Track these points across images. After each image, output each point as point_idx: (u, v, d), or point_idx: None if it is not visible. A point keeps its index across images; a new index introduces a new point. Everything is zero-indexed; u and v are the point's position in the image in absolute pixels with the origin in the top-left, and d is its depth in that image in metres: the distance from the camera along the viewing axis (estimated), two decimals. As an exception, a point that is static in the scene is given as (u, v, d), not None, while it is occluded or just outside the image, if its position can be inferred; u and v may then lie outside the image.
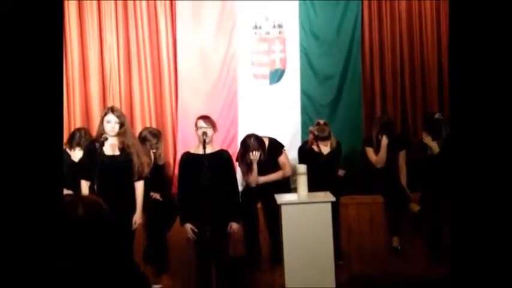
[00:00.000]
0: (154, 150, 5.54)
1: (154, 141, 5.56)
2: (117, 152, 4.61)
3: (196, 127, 4.83)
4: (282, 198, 5.01)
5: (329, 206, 4.83)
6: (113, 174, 4.54)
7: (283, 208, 4.85)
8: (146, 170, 4.75)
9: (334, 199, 4.90)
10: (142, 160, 4.70)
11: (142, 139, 5.47)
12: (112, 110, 4.65)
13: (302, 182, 4.96)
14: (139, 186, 4.71)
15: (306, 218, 4.81)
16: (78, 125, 6.27)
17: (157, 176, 5.41)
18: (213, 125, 4.84)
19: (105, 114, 4.62)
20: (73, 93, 6.49)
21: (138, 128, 6.12)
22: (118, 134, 4.60)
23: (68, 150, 5.62)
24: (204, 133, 4.70)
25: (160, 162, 5.70)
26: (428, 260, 5.44)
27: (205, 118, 4.86)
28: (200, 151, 4.71)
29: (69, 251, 1.84)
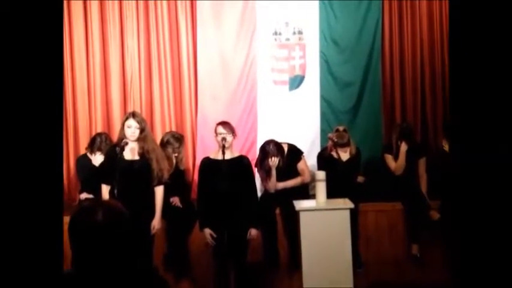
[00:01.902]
0: (176, 154, 5.56)
1: (176, 145, 5.58)
2: (137, 157, 4.63)
3: (216, 133, 4.83)
4: (301, 204, 5.00)
5: (348, 212, 4.81)
6: (132, 179, 4.56)
7: (301, 214, 4.84)
8: (166, 175, 4.75)
9: (353, 206, 4.88)
10: (162, 165, 4.71)
11: (165, 143, 5.51)
12: (133, 115, 4.68)
13: (321, 188, 4.95)
14: (159, 191, 4.71)
15: (324, 225, 4.79)
16: (99, 129, 6.34)
17: (177, 181, 5.43)
18: (232, 131, 4.84)
19: (126, 119, 4.65)
20: (94, 98, 6.56)
21: (158, 133, 6.16)
22: (138, 139, 4.63)
23: (88, 154, 5.70)
24: (224, 139, 4.70)
25: (182, 167, 5.71)
26: (447, 268, 5.38)
27: (224, 124, 4.86)
28: (219, 157, 4.71)
29: (88, 256, 1.87)
